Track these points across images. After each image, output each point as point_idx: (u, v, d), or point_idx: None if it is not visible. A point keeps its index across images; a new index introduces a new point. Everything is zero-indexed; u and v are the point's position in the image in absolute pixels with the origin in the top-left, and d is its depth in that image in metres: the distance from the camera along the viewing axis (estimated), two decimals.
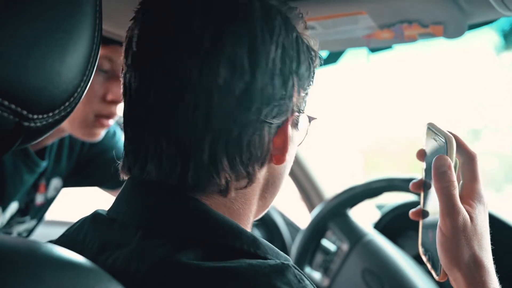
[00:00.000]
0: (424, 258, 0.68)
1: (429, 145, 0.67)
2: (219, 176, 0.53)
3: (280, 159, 0.58)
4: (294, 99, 0.57)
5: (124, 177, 0.59)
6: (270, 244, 0.54)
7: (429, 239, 0.66)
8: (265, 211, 0.65)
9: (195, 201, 0.54)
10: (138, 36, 0.56)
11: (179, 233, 0.52)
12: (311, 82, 0.60)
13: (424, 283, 1.09)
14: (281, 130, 0.57)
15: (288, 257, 0.54)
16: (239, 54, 0.52)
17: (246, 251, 0.51)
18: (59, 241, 0.59)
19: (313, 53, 0.60)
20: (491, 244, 0.62)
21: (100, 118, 1.08)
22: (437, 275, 0.63)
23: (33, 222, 1.24)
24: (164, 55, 0.53)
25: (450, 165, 0.59)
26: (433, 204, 0.64)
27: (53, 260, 0.40)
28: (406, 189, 1.24)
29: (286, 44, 0.55)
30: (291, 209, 1.75)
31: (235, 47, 0.52)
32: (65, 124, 1.09)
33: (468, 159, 0.63)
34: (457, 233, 0.58)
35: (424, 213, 0.69)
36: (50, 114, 0.46)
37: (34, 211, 1.22)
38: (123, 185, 0.58)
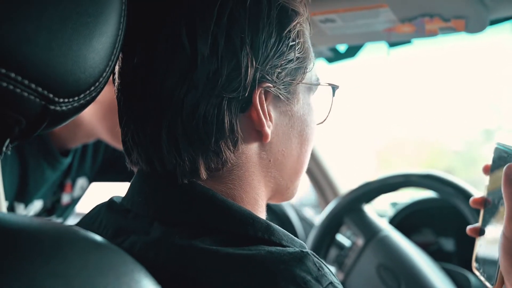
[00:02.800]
0: (477, 272, 0.69)
1: (497, 162, 0.67)
2: (182, 158, 0.53)
3: (265, 135, 0.55)
4: (250, 70, 0.53)
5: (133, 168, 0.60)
6: (284, 231, 0.54)
7: (486, 254, 0.67)
8: (294, 191, 0.64)
9: (196, 185, 0.54)
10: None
11: (193, 222, 0.52)
12: (284, 49, 0.55)
13: (439, 279, 1.08)
14: (253, 105, 0.54)
15: (303, 243, 0.54)
16: (178, 29, 0.52)
17: (260, 237, 0.51)
18: None
19: (285, 17, 0.55)
20: None
21: None
22: (491, 285, 0.64)
23: (59, 221, 1.26)
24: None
25: None
26: (491, 221, 0.65)
27: (79, 242, 0.40)
28: (423, 185, 1.23)
29: (237, 14, 0.52)
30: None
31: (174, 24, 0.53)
32: (104, 135, 1.10)
33: None
34: None
35: (481, 231, 0.69)
36: (76, 98, 0.46)
37: (60, 210, 1.24)
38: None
